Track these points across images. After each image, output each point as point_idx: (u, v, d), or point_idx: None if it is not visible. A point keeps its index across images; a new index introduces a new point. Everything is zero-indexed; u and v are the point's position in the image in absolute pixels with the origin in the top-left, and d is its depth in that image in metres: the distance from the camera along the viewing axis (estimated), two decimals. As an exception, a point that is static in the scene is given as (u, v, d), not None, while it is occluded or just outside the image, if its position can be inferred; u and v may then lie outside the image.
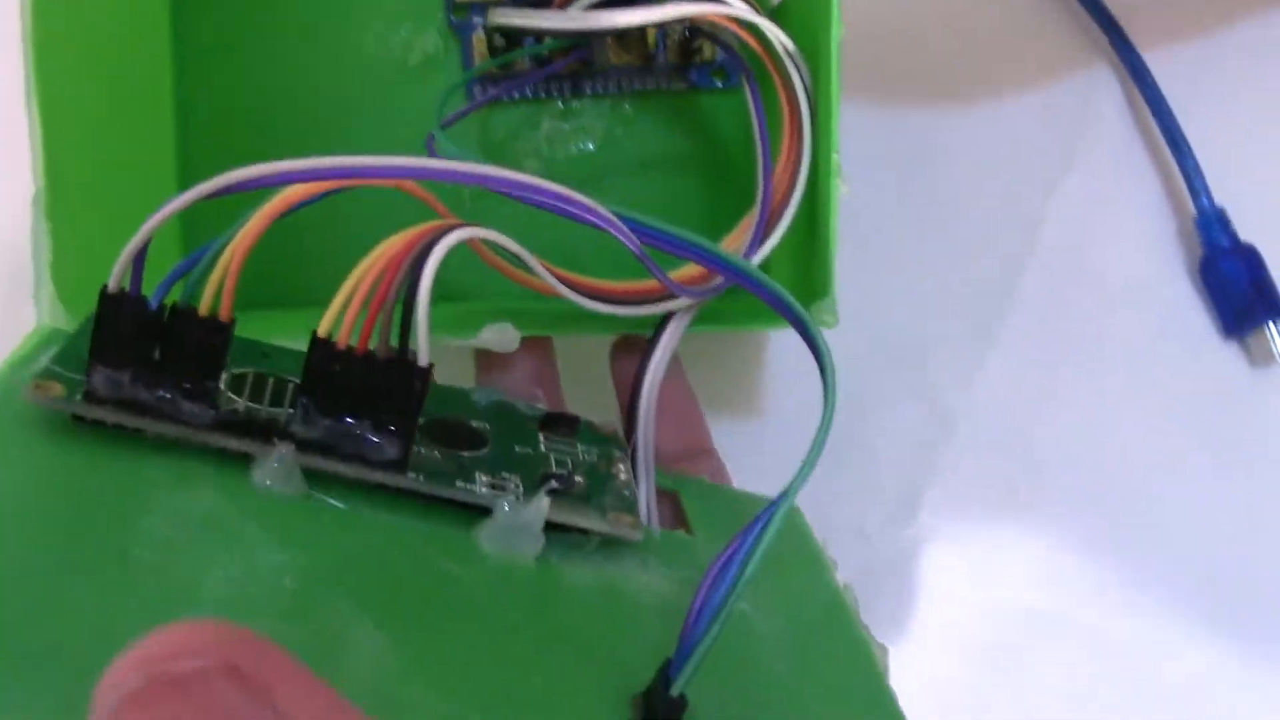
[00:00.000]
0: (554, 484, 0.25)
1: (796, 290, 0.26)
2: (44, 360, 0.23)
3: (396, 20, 0.37)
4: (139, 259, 0.21)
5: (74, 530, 0.20)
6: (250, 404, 0.23)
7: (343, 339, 0.22)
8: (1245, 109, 0.40)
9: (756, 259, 0.30)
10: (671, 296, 0.29)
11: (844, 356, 0.24)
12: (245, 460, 0.23)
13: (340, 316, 0.22)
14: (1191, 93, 0.39)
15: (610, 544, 0.25)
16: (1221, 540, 0.39)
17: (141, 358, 0.22)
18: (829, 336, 0.24)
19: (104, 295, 0.21)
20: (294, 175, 0.20)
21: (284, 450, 0.22)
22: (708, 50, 0.36)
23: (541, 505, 0.24)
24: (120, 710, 0.13)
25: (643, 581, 0.25)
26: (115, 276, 0.21)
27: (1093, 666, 0.38)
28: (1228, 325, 0.39)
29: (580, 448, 0.27)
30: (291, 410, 0.23)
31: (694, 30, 0.36)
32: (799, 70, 0.31)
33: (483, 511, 0.24)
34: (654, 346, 0.30)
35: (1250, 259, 0.39)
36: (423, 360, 0.23)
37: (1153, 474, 0.39)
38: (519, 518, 0.23)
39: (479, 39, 0.36)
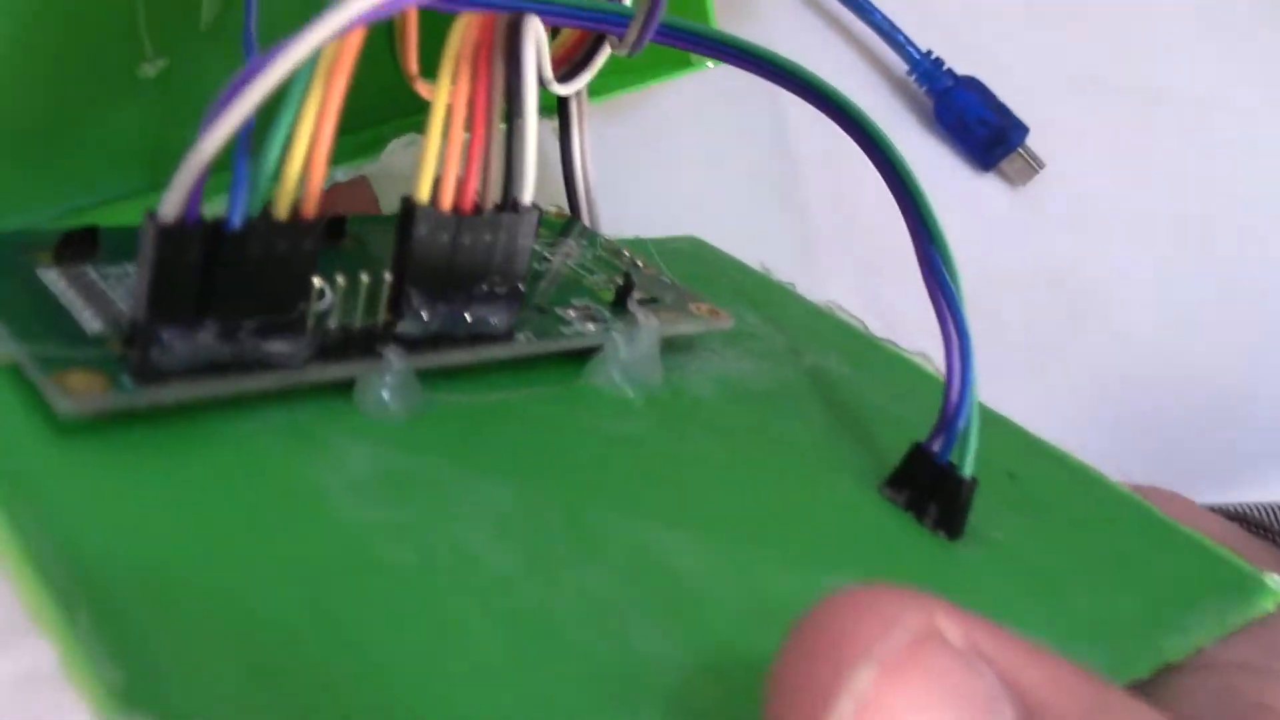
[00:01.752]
0: (637, 294, 0.21)
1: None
2: (18, 354, 0.16)
3: None
4: (201, 177, 0.14)
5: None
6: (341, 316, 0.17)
7: (445, 199, 0.17)
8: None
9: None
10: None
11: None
12: (338, 387, 0.17)
13: (433, 175, 0.17)
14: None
15: (678, 345, 0.22)
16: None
17: (219, 300, 0.15)
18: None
19: (162, 230, 0.15)
20: None
21: (397, 358, 0.17)
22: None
23: (653, 325, 0.20)
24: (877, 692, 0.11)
25: (747, 369, 0.22)
26: (173, 203, 0.15)
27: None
28: (981, 160, 0.38)
29: (570, 242, 0.24)
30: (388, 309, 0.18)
31: None
32: None
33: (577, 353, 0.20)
34: (569, 122, 0.25)
35: (978, 90, 0.37)
36: (527, 198, 0.18)
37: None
38: (641, 349, 0.20)
39: None
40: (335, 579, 0.14)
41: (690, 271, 0.26)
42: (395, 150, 0.23)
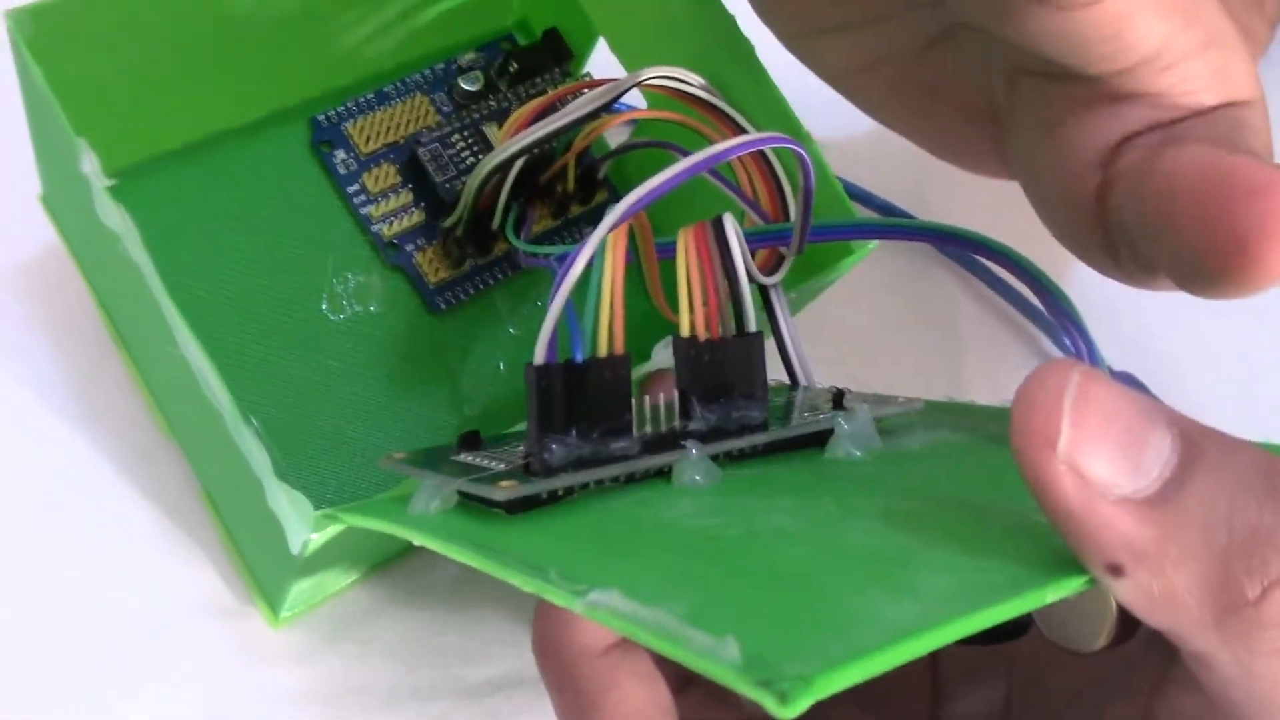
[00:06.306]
0: (848, 394, 0.29)
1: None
2: (456, 480, 0.25)
3: (341, 277, 0.37)
4: (554, 333, 0.24)
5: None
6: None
7: (700, 332, 0.26)
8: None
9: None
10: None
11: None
12: (657, 474, 0.26)
13: (690, 316, 0.26)
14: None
15: (890, 429, 0.30)
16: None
17: (577, 415, 0.24)
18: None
19: (536, 370, 0.24)
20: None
21: (696, 448, 0.25)
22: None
23: (864, 408, 0.28)
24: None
25: (945, 436, 0.29)
26: (540, 353, 0.24)
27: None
28: None
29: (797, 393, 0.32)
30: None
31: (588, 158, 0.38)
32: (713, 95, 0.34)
33: (808, 442, 0.28)
34: (774, 310, 0.34)
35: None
36: (752, 327, 0.26)
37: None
38: (860, 423, 0.28)
39: (424, 255, 0.37)
40: (700, 545, 0.22)
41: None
42: (658, 350, 0.33)
